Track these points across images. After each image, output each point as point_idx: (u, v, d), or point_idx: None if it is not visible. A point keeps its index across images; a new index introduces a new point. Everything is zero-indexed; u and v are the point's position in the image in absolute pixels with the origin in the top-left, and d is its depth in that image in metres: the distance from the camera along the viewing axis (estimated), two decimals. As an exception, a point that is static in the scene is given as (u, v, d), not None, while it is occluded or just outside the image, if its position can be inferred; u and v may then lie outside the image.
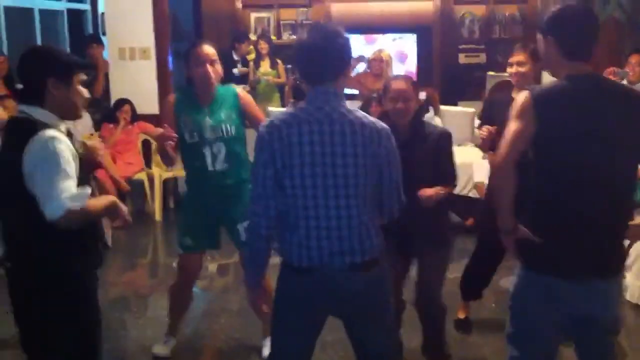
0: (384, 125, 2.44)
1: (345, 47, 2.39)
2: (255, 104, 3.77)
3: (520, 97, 2.37)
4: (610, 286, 2.45)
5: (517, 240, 2.45)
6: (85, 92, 2.48)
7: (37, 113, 2.36)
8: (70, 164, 2.28)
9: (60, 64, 2.41)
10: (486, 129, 3.74)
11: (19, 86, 2.53)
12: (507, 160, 2.37)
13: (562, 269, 2.38)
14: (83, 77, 2.48)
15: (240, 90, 3.72)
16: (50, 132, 2.29)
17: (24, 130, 2.30)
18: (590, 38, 2.38)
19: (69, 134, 2.45)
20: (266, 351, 3.35)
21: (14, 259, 2.44)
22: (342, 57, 2.39)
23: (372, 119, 2.43)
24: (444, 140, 3.34)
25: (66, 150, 2.30)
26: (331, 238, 2.35)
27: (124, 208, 2.55)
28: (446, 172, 3.34)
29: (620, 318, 2.53)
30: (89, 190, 2.30)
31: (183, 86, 3.96)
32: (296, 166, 2.32)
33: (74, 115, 2.49)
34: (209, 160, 3.55)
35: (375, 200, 2.45)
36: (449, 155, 3.37)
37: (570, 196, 2.34)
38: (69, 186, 2.24)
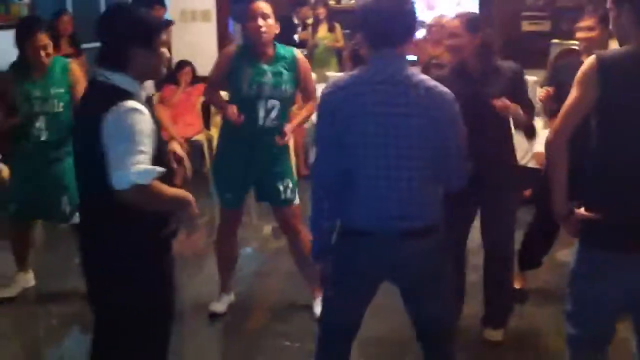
0: (448, 90, 2.41)
1: (412, 12, 2.36)
2: (310, 72, 3.79)
3: (586, 62, 2.30)
4: None
5: (574, 220, 2.38)
6: (166, 52, 2.43)
7: (119, 79, 2.28)
8: (147, 138, 2.20)
9: (146, 29, 2.32)
10: (545, 90, 3.69)
11: (89, 45, 2.53)
12: (560, 134, 2.32)
13: (621, 243, 2.30)
14: (164, 37, 2.45)
15: (299, 54, 3.73)
16: (131, 104, 2.21)
17: (105, 97, 2.23)
18: None
19: (149, 102, 2.42)
20: (317, 310, 3.41)
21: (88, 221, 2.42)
22: (408, 22, 2.37)
23: (436, 83, 2.39)
24: (518, 75, 3.39)
25: (146, 123, 2.22)
26: (390, 200, 2.34)
27: (196, 211, 2.43)
28: (524, 105, 3.34)
29: None
30: (159, 169, 2.20)
31: (242, 44, 4.00)
32: (359, 124, 2.31)
33: (155, 77, 2.50)
34: (261, 114, 3.57)
35: (438, 166, 2.40)
36: (524, 90, 3.42)
37: (631, 168, 2.27)
38: (141, 160, 2.15)
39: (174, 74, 6.65)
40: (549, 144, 2.41)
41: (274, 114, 3.58)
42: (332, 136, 2.35)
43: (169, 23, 6.02)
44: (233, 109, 3.55)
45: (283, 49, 3.66)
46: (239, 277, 4.17)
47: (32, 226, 4.35)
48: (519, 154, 6.41)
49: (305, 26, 8.30)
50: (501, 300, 3.60)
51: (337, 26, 8.18)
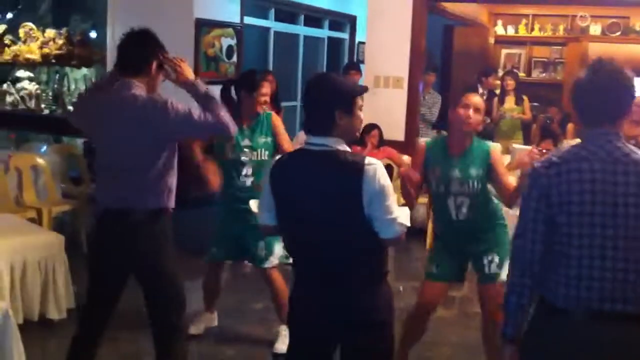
0: None
1: (628, 88, 2.29)
2: (500, 161, 3.71)
3: None
4: None
5: None
6: (361, 115, 2.62)
7: (333, 142, 2.50)
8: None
9: (347, 95, 2.53)
10: None
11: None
12: None
13: None
14: (360, 102, 2.61)
15: (493, 148, 3.69)
16: (374, 160, 2.50)
17: (353, 163, 2.46)
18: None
19: None
20: None
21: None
22: (624, 99, 2.30)
23: None
24: None
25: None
26: (604, 281, 2.24)
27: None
28: None
29: None
30: (407, 209, 2.59)
31: (437, 137, 4.09)
32: (574, 203, 2.24)
33: (353, 139, 2.66)
34: (452, 211, 3.61)
35: None
36: None
37: None
38: (397, 207, 2.50)
39: (361, 136, 6.89)
40: None
41: (464, 209, 3.59)
42: (541, 212, 2.30)
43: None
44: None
45: (477, 143, 3.63)
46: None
47: (223, 268, 4.63)
48: None
49: (490, 96, 8.31)
50: None
51: (525, 98, 8.11)
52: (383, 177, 2.43)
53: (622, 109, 2.30)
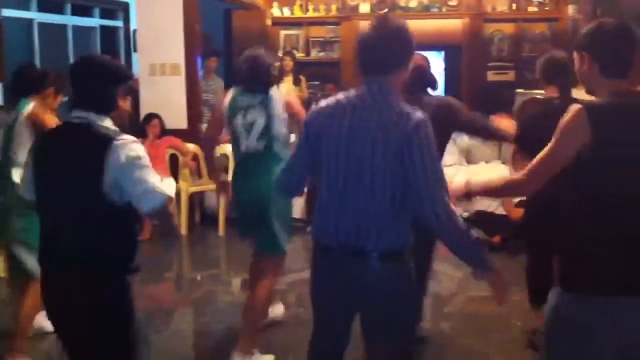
0: (421, 116, 2.34)
1: (398, 42, 2.40)
2: None
3: (572, 112, 2.21)
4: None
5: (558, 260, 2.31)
6: (126, 104, 2.65)
7: (105, 122, 2.46)
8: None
9: (127, 75, 2.61)
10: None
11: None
12: (536, 181, 2.30)
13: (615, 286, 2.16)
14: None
15: None
16: (129, 137, 2.42)
17: (101, 137, 2.39)
18: (628, 54, 2.29)
19: None
20: None
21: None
22: (394, 51, 2.40)
23: (410, 110, 2.35)
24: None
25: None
26: (349, 221, 2.37)
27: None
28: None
29: None
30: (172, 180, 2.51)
31: None
32: (323, 148, 2.41)
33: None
34: None
35: (403, 195, 2.34)
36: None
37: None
38: (157, 180, 2.43)
39: (142, 127, 6.64)
40: (523, 188, 2.45)
41: None
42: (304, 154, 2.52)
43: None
44: None
45: None
46: (215, 329, 4.08)
47: None
48: (486, 201, 6.53)
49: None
50: None
51: (303, 78, 8.25)
52: (133, 150, 2.39)
53: (392, 61, 2.41)
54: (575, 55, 2.37)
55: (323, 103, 2.49)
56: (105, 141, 2.36)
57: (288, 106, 3.80)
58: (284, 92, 3.89)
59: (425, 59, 3.75)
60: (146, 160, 2.41)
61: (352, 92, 2.45)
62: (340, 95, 2.47)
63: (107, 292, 2.43)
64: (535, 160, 2.29)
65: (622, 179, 2.19)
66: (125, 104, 2.64)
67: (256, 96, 3.74)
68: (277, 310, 4.35)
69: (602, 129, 2.16)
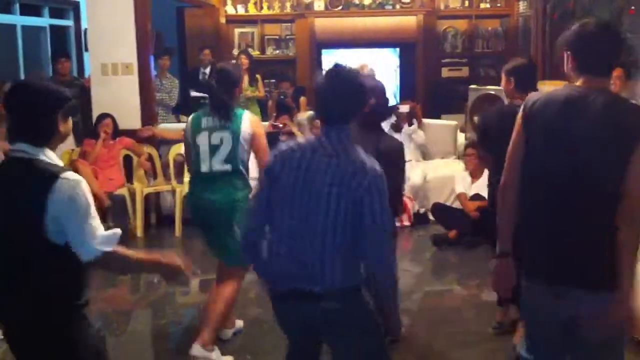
0: (376, 167, 2.45)
1: (354, 94, 2.48)
2: None
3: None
4: (594, 299, 2.33)
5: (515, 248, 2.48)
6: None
7: (45, 154, 2.28)
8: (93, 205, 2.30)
9: (66, 98, 2.34)
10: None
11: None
12: (505, 179, 2.46)
13: (545, 276, 2.37)
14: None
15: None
16: (73, 175, 2.26)
17: (42, 174, 2.23)
18: (607, 53, 2.37)
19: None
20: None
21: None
22: (350, 103, 2.49)
23: (367, 159, 2.46)
24: None
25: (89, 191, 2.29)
26: (296, 263, 2.42)
27: (181, 264, 2.46)
28: None
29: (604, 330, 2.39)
30: (119, 231, 2.32)
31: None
32: (280, 188, 2.45)
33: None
34: None
35: (352, 236, 2.43)
36: None
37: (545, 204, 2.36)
38: (99, 226, 2.27)
39: (95, 127, 6.53)
40: (501, 186, 2.51)
41: None
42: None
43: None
44: None
45: None
46: (169, 332, 4.04)
47: None
48: (443, 195, 6.59)
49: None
50: None
51: (258, 77, 8.20)
52: (78, 191, 2.24)
53: (351, 112, 2.50)
54: (561, 53, 2.46)
55: (284, 146, 2.53)
56: (47, 178, 2.21)
57: (255, 139, 3.77)
58: (252, 121, 3.83)
59: (380, 87, 3.75)
60: (90, 203, 2.26)
61: (313, 138, 2.54)
62: (302, 140, 2.57)
63: (66, 331, 2.33)
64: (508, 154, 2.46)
65: (548, 166, 2.34)
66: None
67: (223, 119, 3.73)
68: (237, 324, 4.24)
69: (532, 120, 2.36)
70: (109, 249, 2.26)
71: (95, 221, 2.27)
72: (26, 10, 8.65)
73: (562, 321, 2.38)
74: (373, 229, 2.38)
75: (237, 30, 9.72)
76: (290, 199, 2.42)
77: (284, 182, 2.44)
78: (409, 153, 7.04)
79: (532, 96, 2.46)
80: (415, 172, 6.71)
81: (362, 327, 2.50)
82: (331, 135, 2.46)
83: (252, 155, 3.79)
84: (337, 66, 2.51)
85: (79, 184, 2.24)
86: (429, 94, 9.33)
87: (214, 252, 3.92)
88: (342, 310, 2.43)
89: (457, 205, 6.19)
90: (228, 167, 3.70)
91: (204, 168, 3.74)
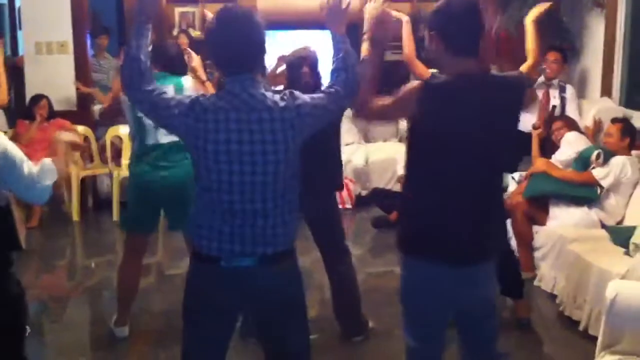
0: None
1: (261, 36, 2.30)
2: None
3: (415, 83, 2.39)
4: (478, 271, 2.44)
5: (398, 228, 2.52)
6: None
7: None
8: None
9: None
10: None
11: None
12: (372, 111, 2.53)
13: (434, 254, 2.38)
14: None
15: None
16: None
17: None
18: (474, 32, 2.35)
19: None
20: None
21: None
22: (257, 47, 2.30)
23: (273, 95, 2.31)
24: None
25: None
26: (243, 227, 2.26)
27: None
28: None
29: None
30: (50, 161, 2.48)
31: None
32: (210, 152, 2.22)
33: None
34: None
35: (295, 189, 2.34)
36: None
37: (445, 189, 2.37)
38: (33, 166, 2.42)
39: (28, 109, 6.32)
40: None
41: None
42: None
43: None
44: None
45: None
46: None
47: None
48: (384, 179, 6.62)
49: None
50: None
51: (199, 58, 8.05)
52: (7, 146, 2.37)
53: (255, 57, 2.31)
54: (425, 33, 2.44)
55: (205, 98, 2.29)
56: None
57: None
58: (193, 86, 3.75)
59: (312, 57, 3.74)
60: (15, 151, 2.39)
61: (219, 93, 2.31)
62: (213, 97, 2.29)
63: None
64: (383, 101, 2.47)
65: (436, 153, 2.33)
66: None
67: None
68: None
69: (425, 106, 2.31)
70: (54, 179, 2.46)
71: (28, 167, 2.40)
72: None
73: (448, 298, 2.45)
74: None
75: (177, 10, 9.51)
76: (223, 162, 2.25)
77: (207, 145, 2.26)
78: (351, 135, 7.06)
79: (429, 80, 2.46)
80: (357, 154, 6.72)
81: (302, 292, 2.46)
82: (235, 87, 2.26)
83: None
84: (226, 7, 2.31)
85: (2, 139, 2.37)
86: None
87: (176, 227, 3.84)
88: (294, 272, 2.42)
89: (398, 187, 6.24)
90: (173, 139, 3.52)
91: (150, 140, 3.63)
